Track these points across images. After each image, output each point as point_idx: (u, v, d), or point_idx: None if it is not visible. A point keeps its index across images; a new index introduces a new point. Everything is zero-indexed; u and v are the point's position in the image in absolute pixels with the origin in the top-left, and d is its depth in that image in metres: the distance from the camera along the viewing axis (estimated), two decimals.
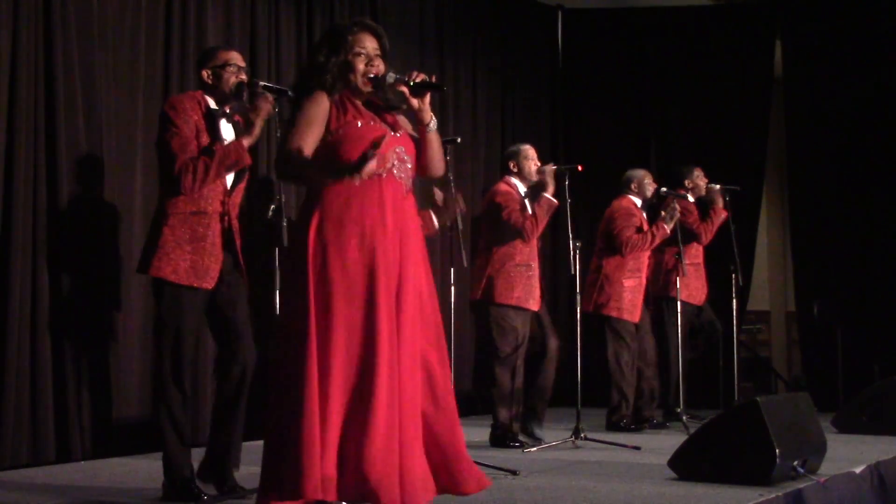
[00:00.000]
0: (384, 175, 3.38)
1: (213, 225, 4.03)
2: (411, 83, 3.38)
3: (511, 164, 5.96)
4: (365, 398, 3.26)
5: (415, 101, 3.42)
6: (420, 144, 3.51)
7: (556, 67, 9.11)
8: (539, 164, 5.99)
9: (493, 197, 5.90)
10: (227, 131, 4.13)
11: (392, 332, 3.30)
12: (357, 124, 3.42)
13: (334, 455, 3.26)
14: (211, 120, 4.09)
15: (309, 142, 3.39)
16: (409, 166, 3.48)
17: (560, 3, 9.08)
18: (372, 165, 3.22)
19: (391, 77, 3.43)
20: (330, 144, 3.41)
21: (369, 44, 3.48)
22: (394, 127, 3.49)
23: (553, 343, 6.00)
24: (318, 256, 3.32)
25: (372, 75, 3.45)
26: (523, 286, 5.77)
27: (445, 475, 3.40)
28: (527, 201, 5.91)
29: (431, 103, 3.44)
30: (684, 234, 6.83)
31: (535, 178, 5.96)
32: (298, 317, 3.32)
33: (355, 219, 3.33)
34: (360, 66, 3.45)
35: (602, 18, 9.19)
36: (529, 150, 5.96)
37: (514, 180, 5.92)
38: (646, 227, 6.75)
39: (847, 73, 8.41)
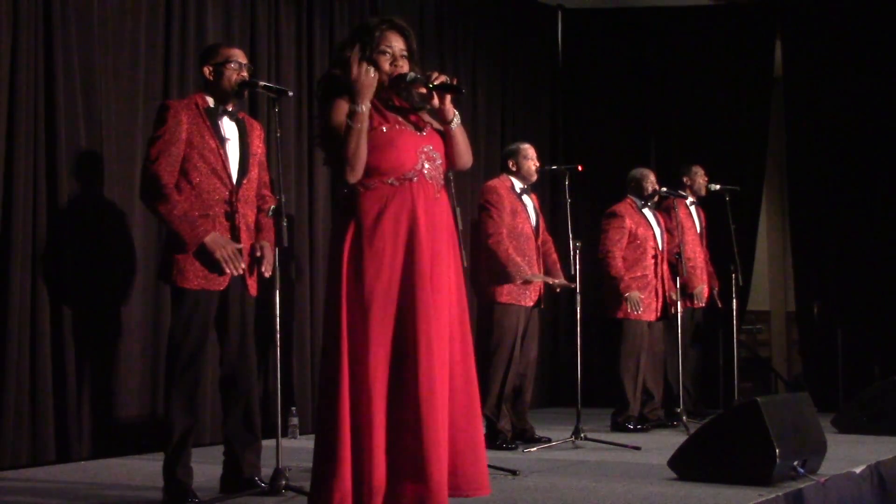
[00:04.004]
0: (415, 179, 3.37)
1: (216, 228, 4.02)
2: (430, 85, 3.36)
3: (510, 163, 5.96)
4: (413, 405, 3.23)
5: (435, 101, 3.41)
6: (446, 140, 3.50)
7: (556, 67, 9.11)
8: (538, 163, 6.00)
9: (482, 194, 5.93)
10: (229, 130, 4.13)
11: (432, 333, 3.28)
12: (382, 129, 3.38)
13: (383, 464, 3.24)
14: (213, 119, 4.09)
15: None
16: (439, 163, 3.47)
17: (560, 3, 9.08)
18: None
19: (410, 77, 3.41)
20: None
21: (396, 44, 3.44)
22: (419, 126, 3.47)
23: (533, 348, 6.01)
24: (353, 265, 3.31)
25: (394, 76, 3.43)
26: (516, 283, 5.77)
27: (461, 475, 3.38)
28: (524, 197, 5.91)
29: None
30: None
31: (534, 177, 5.98)
32: (334, 329, 3.32)
33: (389, 225, 3.31)
34: (385, 66, 3.42)
35: (602, 18, 9.19)
36: (529, 150, 5.97)
37: (512, 178, 5.92)
38: (642, 228, 6.74)
39: (847, 73, 8.41)
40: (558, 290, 6.08)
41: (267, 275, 4.18)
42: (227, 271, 3.99)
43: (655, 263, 6.76)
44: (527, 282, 5.74)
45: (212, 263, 3.97)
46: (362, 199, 3.35)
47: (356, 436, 3.24)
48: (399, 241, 3.32)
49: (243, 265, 4.08)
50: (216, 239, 3.97)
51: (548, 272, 6.00)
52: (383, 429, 3.25)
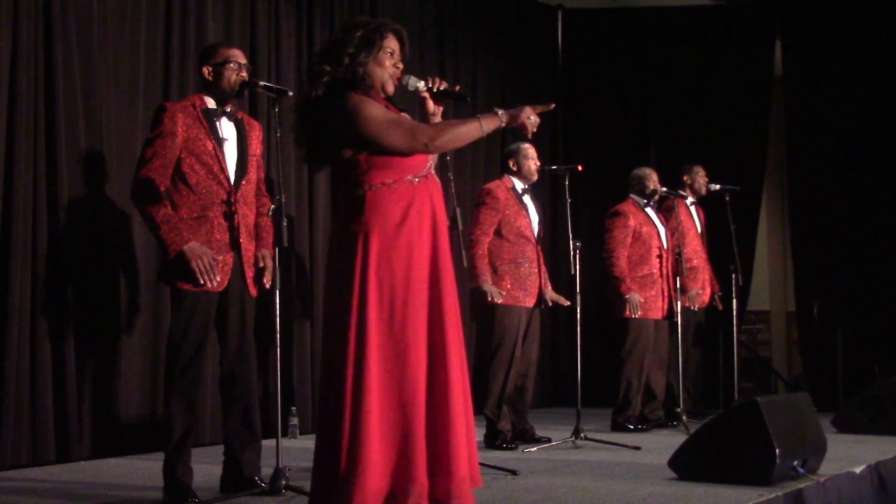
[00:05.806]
0: (429, 176, 3.38)
1: (215, 229, 4.02)
2: (435, 90, 3.36)
3: (511, 163, 5.96)
4: (444, 401, 3.23)
5: (431, 106, 3.41)
6: None
7: (556, 67, 9.11)
8: (539, 163, 6.01)
9: (478, 195, 5.94)
10: (227, 131, 4.13)
11: (455, 328, 3.29)
12: None
13: (425, 463, 3.22)
14: (210, 120, 4.08)
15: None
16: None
17: (560, 3, 9.08)
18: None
19: (413, 82, 3.41)
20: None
21: (395, 46, 3.45)
22: None
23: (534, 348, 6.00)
24: (383, 263, 3.24)
25: (397, 78, 3.42)
26: (513, 283, 5.76)
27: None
28: (526, 198, 5.91)
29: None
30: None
31: (535, 177, 5.98)
32: (348, 333, 3.23)
33: (415, 221, 3.29)
34: (389, 67, 3.41)
35: (602, 18, 9.19)
36: (529, 150, 5.96)
37: (513, 178, 5.93)
38: (646, 227, 6.74)
39: (847, 73, 8.41)
40: (551, 304, 6.06)
41: (268, 286, 4.18)
42: (201, 282, 3.95)
43: (661, 262, 6.76)
44: (478, 289, 5.71)
45: (187, 273, 3.94)
46: (385, 198, 3.30)
47: (388, 437, 3.19)
48: (424, 237, 3.31)
49: (249, 274, 4.10)
50: (194, 248, 3.93)
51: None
52: (424, 427, 3.22)
